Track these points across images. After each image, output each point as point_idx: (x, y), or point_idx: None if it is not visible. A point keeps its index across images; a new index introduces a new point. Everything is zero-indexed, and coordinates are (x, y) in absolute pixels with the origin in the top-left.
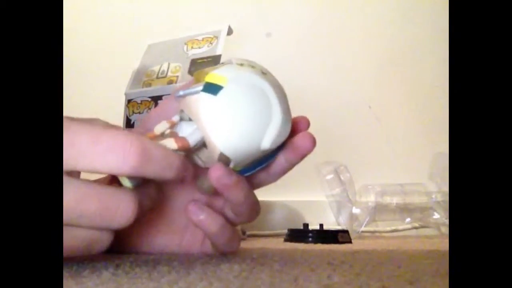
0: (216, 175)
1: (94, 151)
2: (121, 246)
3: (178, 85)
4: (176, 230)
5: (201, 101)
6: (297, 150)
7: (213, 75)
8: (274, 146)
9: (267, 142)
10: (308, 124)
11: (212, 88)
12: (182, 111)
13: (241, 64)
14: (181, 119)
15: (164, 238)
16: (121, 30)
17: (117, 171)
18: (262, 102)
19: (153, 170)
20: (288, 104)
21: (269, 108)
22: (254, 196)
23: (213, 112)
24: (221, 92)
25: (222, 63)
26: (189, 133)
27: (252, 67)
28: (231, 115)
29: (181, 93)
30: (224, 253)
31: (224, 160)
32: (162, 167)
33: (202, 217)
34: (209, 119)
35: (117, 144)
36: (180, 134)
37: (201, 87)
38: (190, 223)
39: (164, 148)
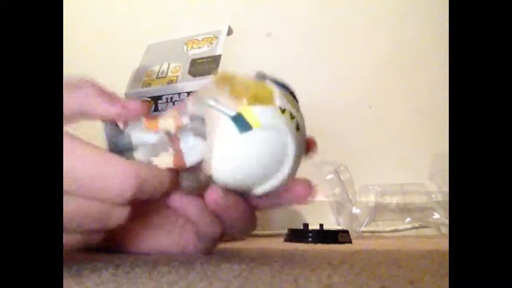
0: (213, 198)
1: (94, 186)
2: (121, 248)
3: (201, 82)
4: (174, 229)
5: (224, 128)
6: (293, 198)
7: (250, 111)
8: (264, 194)
9: (260, 190)
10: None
11: (241, 124)
12: (194, 117)
13: (283, 111)
14: (190, 126)
15: (164, 238)
16: (121, 30)
17: (112, 201)
18: (278, 158)
19: (147, 194)
20: (300, 161)
21: (281, 165)
22: (250, 215)
23: (228, 146)
24: (247, 134)
25: (273, 85)
26: (190, 148)
27: (292, 117)
28: (243, 160)
29: (212, 103)
30: (210, 244)
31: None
32: (154, 189)
33: (181, 203)
34: (222, 151)
35: (116, 180)
36: (182, 143)
37: (233, 113)
38: (187, 221)
39: (157, 171)
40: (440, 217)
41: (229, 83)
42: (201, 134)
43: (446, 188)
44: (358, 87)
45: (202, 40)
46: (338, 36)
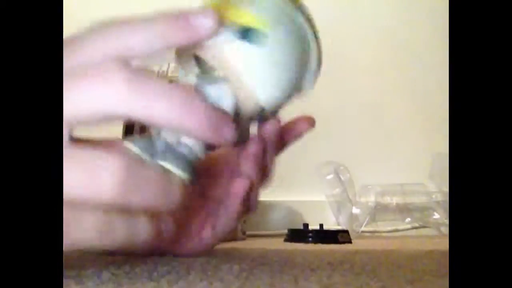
0: (240, 192)
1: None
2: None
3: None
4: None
5: (239, 52)
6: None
7: (251, 16)
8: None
9: (307, 86)
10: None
11: (253, 35)
12: (199, 59)
13: None
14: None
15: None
16: None
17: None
18: (303, 46)
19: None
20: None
21: (308, 52)
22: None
23: (258, 66)
24: (264, 41)
25: None
26: (218, 96)
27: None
28: (276, 68)
29: (209, 41)
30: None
31: (258, 113)
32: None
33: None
34: (253, 76)
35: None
36: (209, 98)
37: (235, 33)
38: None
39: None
40: (440, 217)
41: (232, 13)
42: (216, 80)
43: (446, 188)
44: (358, 87)
45: None
46: (338, 36)
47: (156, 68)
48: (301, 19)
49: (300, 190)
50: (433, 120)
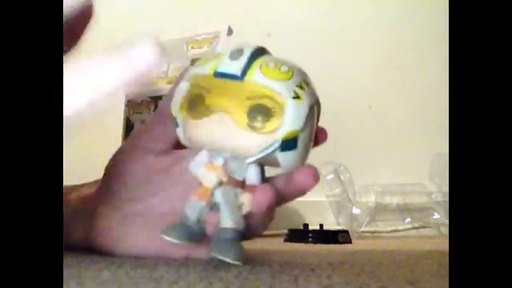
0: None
1: None
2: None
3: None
4: None
5: (280, 160)
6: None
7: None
8: None
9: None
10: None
11: (290, 145)
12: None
13: (297, 94)
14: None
15: None
16: (121, 30)
17: None
18: (314, 118)
19: None
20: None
21: (315, 117)
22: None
23: (295, 162)
24: (298, 143)
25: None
26: (244, 171)
27: (307, 84)
28: (306, 155)
29: (255, 158)
30: None
31: None
32: None
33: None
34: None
35: None
36: (236, 176)
37: (277, 147)
38: None
39: None
40: (440, 217)
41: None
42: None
43: (446, 188)
44: (358, 87)
45: (202, 40)
46: (338, 36)
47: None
48: (317, 97)
49: None
50: (433, 120)
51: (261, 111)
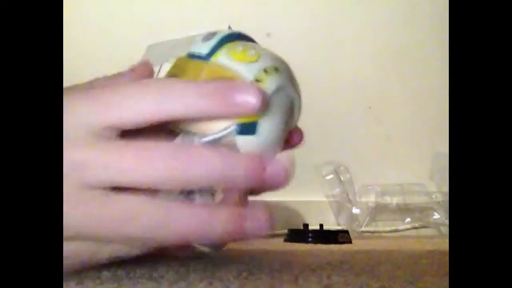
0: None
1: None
2: None
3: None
4: None
5: (238, 144)
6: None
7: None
8: None
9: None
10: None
11: (248, 129)
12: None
13: (266, 72)
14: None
15: None
16: (121, 30)
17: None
18: (290, 111)
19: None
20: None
21: (293, 111)
22: None
23: (254, 149)
24: (258, 129)
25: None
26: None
27: (278, 72)
28: (270, 144)
29: (210, 138)
30: None
31: None
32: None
33: None
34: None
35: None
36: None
37: (233, 129)
38: None
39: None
40: (440, 217)
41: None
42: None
43: (446, 188)
44: (358, 87)
45: None
46: (338, 36)
47: (156, 69)
48: (295, 97)
49: (300, 190)
50: (433, 120)
51: None
